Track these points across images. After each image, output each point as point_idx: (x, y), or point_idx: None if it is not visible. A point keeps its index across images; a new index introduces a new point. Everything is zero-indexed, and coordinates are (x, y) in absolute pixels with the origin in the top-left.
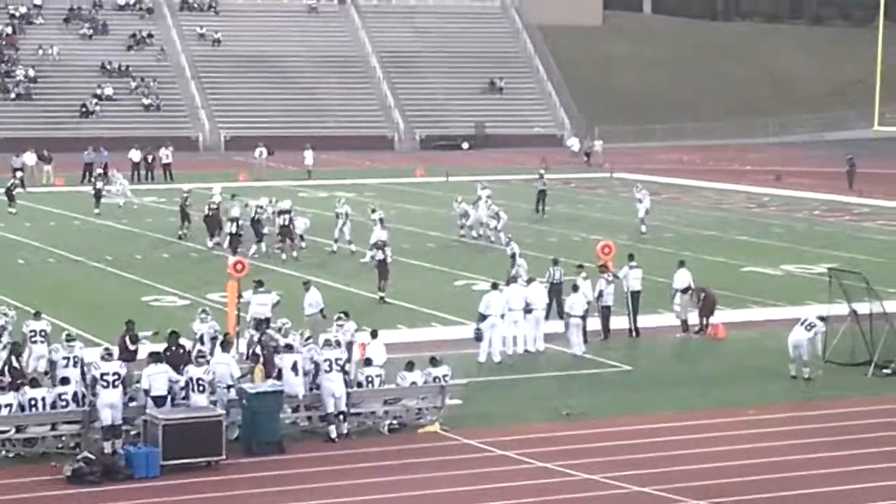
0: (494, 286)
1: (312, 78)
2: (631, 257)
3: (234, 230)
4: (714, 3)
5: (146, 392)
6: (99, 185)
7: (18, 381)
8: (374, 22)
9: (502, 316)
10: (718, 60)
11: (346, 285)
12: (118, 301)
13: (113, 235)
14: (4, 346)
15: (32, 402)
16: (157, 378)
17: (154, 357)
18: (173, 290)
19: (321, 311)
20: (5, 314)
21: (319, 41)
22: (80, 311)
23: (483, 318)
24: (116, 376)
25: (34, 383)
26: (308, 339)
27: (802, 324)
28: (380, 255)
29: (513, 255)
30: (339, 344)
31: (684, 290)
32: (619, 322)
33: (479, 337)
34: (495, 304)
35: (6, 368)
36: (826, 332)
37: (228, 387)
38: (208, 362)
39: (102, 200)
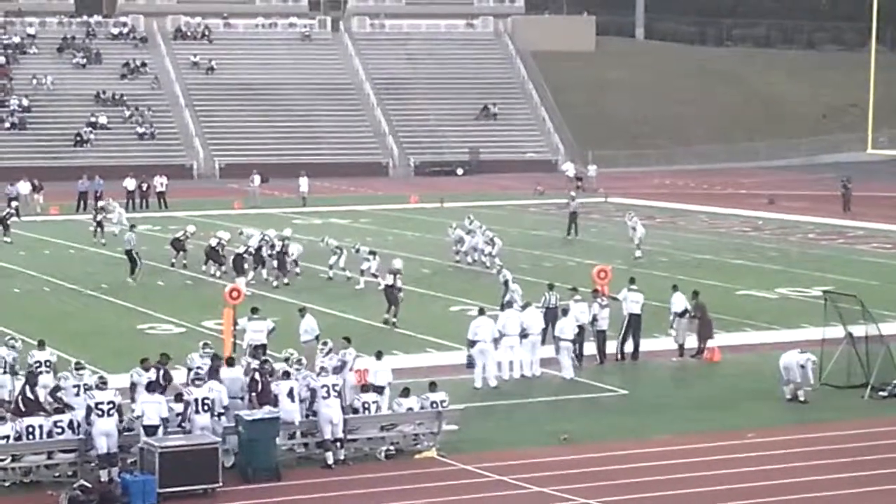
0: (481, 312)
1: (306, 105)
2: (632, 281)
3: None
4: (706, 29)
5: (138, 419)
6: (100, 216)
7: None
8: (368, 49)
9: (494, 341)
10: (711, 85)
11: (341, 311)
12: (114, 329)
13: (108, 263)
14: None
15: (30, 431)
16: (151, 407)
17: (149, 386)
18: (169, 317)
19: (316, 337)
20: (14, 346)
21: (313, 68)
22: (76, 340)
23: (473, 343)
24: (111, 405)
25: (68, 408)
26: (304, 365)
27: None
28: (389, 280)
29: (505, 282)
30: (335, 370)
31: (681, 314)
32: (615, 347)
33: (470, 364)
34: (483, 329)
35: (21, 399)
36: (818, 361)
37: (219, 414)
38: (205, 381)
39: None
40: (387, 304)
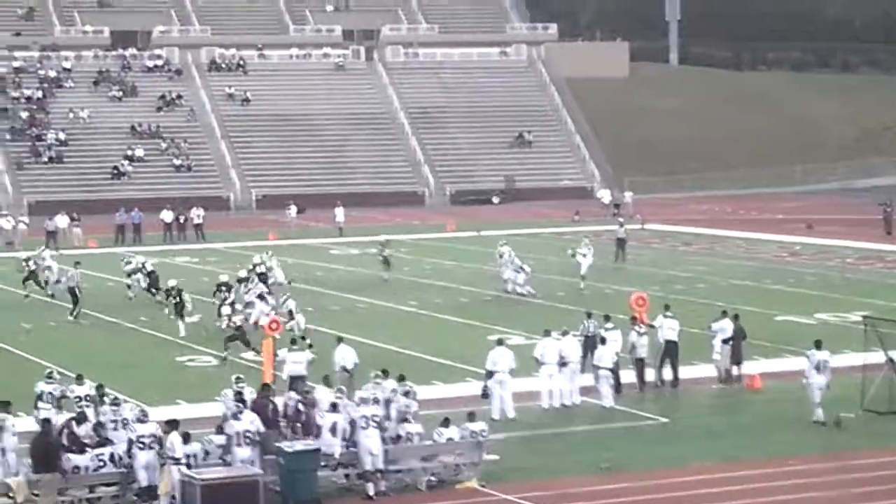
0: (500, 342)
1: (341, 135)
2: (667, 307)
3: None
4: (740, 53)
5: (170, 455)
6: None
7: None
8: (402, 78)
9: (510, 371)
10: (746, 110)
11: (380, 341)
12: (153, 361)
13: (146, 296)
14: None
15: (75, 470)
16: (178, 441)
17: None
18: (208, 349)
19: (351, 367)
20: (54, 380)
21: (347, 98)
22: (115, 373)
23: (490, 374)
24: (153, 438)
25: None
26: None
27: (817, 368)
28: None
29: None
30: (376, 401)
31: (725, 341)
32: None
33: (485, 394)
34: (501, 360)
35: (66, 434)
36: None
37: (256, 442)
38: (242, 412)
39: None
40: None
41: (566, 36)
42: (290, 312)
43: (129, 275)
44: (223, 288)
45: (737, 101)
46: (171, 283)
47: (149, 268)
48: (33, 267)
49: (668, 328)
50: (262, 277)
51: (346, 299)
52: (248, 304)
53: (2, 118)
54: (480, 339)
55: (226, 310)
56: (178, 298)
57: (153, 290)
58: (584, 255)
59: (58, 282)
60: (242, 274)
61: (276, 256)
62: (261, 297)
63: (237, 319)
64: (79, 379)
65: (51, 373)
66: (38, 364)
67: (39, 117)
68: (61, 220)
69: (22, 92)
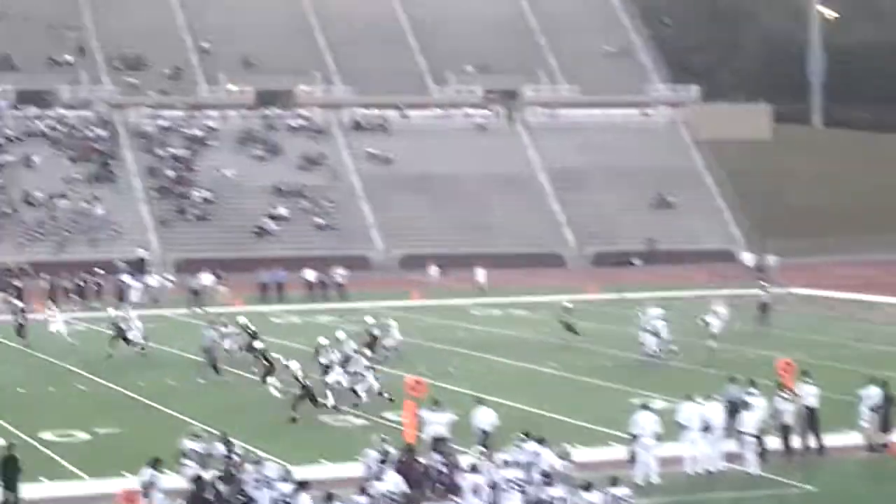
0: (644, 406)
1: (482, 195)
2: (805, 374)
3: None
4: (885, 115)
5: None
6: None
7: None
8: (543, 139)
9: (655, 435)
10: (892, 172)
11: (520, 403)
12: (297, 424)
13: (289, 353)
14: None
15: None
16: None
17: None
18: (350, 408)
19: (491, 429)
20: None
21: (488, 159)
22: (258, 431)
23: (635, 438)
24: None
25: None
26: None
27: None
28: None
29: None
30: (518, 464)
31: (872, 408)
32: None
33: (632, 459)
34: (645, 423)
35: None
36: None
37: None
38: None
39: (279, 320)
40: None
41: (708, 97)
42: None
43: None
44: (323, 350)
45: (882, 163)
46: (258, 345)
47: (250, 329)
48: (121, 324)
49: (808, 394)
50: (373, 340)
51: (487, 360)
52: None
53: (149, 176)
54: (623, 402)
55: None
56: (265, 361)
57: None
58: (716, 316)
59: (229, 342)
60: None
61: (394, 317)
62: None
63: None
64: (223, 437)
65: (196, 431)
66: (183, 421)
67: (185, 176)
68: (206, 278)
69: (168, 151)
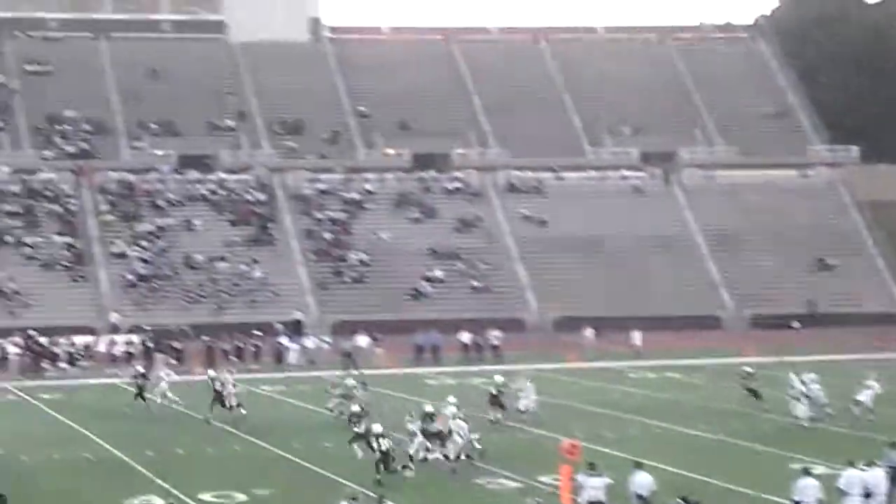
0: (806, 472)
1: (638, 257)
2: None
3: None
4: None
5: None
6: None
7: None
8: (699, 200)
9: (818, 502)
10: None
11: (677, 468)
12: (452, 484)
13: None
14: None
15: None
16: None
17: None
18: (502, 470)
19: (648, 494)
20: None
21: (644, 221)
22: (412, 493)
23: None
24: None
25: None
26: None
27: None
28: None
29: None
30: None
31: None
32: None
33: None
34: (807, 490)
35: None
36: None
37: None
38: None
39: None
40: None
41: (867, 157)
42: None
43: (337, 398)
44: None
45: None
46: (354, 408)
47: (355, 392)
48: (219, 388)
49: None
50: (496, 399)
51: (644, 423)
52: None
53: (307, 239)
54: (783, 467)
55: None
56: (357, 426)
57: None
58: (875, 380)
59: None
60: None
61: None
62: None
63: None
64: (379, 499)
65: (353, 493)
66: (339, 483)
67: (342, 238)
68: (362, 340)
69: (326, 213)
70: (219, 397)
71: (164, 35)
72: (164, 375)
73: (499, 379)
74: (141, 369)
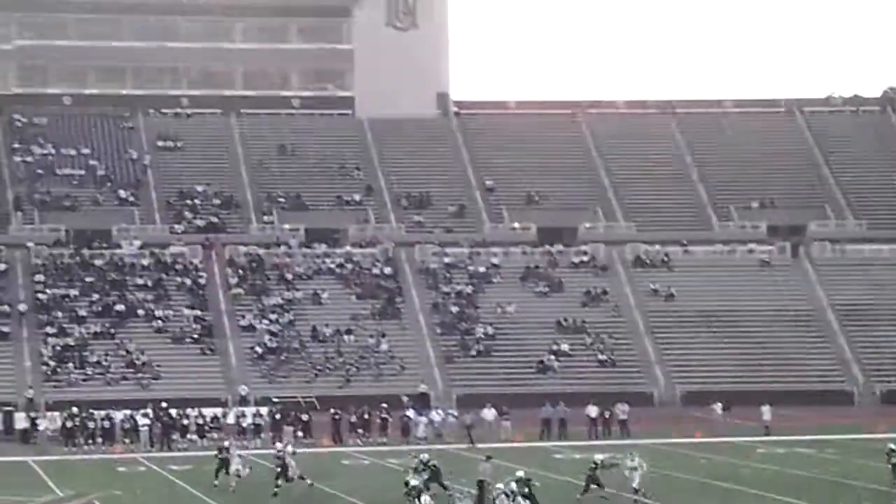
0: None
1: (766, 331)
2: None
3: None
4: None
5: None
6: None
7: None
8: (829, 275)
9: None
10: None
11: None
12: None
13: (565, 489)
14: None
15: None
16: None
17: None
18: None
19: None
20: None
21: (773, 295)
22: None
23: None
24: None
25: None
26: None
27: None
28: None
29: None
30: None
31: None
32: None
33: None
34: None
35: None
36: None
37: None
38: None
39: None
40: None
41: None
42: None
43: (413, 470)
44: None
45: None
46: (414, 482)
47: (431, 466)
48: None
49: None
50: (593, 478)
51: (774, 500)
52: None
53: (433, 312)
54: None
55: None
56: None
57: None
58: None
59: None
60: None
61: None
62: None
63: None
64: None
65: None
66: None
67: (469, 312)
68: (488, 414)
69: (452, 287)
70: (283, 470)
71: (294, 111)
72: (284, 446)
73: (598, 457)
74: (226, 444)
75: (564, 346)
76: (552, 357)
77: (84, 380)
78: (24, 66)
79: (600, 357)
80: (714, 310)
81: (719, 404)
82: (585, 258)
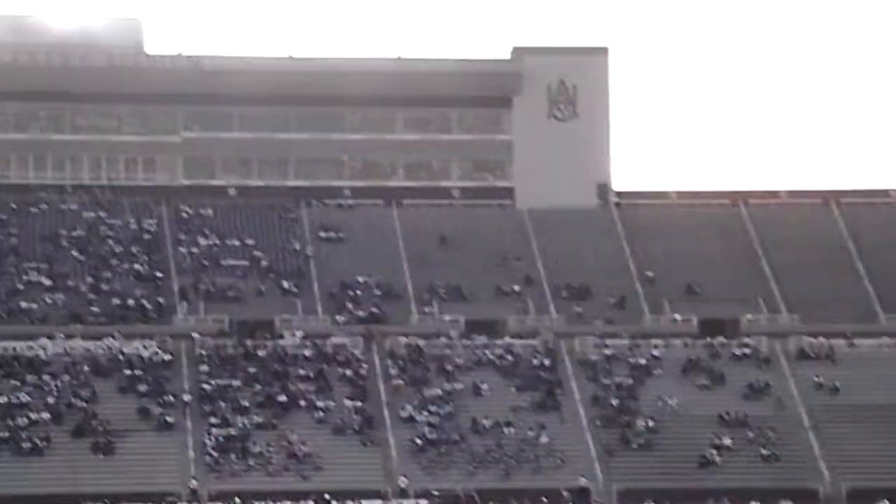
0: None
1: None
2: None
3: None
4: None
5: None
6: None
7: None
8: None
9: None
10: None
11: None
12: None
13: None
14: None
15: None
16: None
17: None
18: None
19: None
20: None
21: None
22: None
23: None
24: None
25: None
26: None
27: None
28: None
29: None
30: None
31: None
32: None
33: None
34: None
35: None
36: None
37: None
38: None
39: None
40: None
41: None
42: None
43: None
44: None
45: None
46: None
47: None
48: None
49: None
50: None
51: None
52: None
53: (593, 405)
54: None
55: None
56: None
57: None
58: None
59: None
60: None
61: None
62: None
63: None
64: None
65: None
66: None
67: (629, 404)
68: None
69: (613, 379)
70: None
71: (454, 201)
72: None
73: None
74: None
75: (727, 441)
76: (714, 452)
77: (246, 470)
78: (191, 159)
79: (763, 452)
80: (881, 404)
81: (886, 502)
82: (748, 350)
